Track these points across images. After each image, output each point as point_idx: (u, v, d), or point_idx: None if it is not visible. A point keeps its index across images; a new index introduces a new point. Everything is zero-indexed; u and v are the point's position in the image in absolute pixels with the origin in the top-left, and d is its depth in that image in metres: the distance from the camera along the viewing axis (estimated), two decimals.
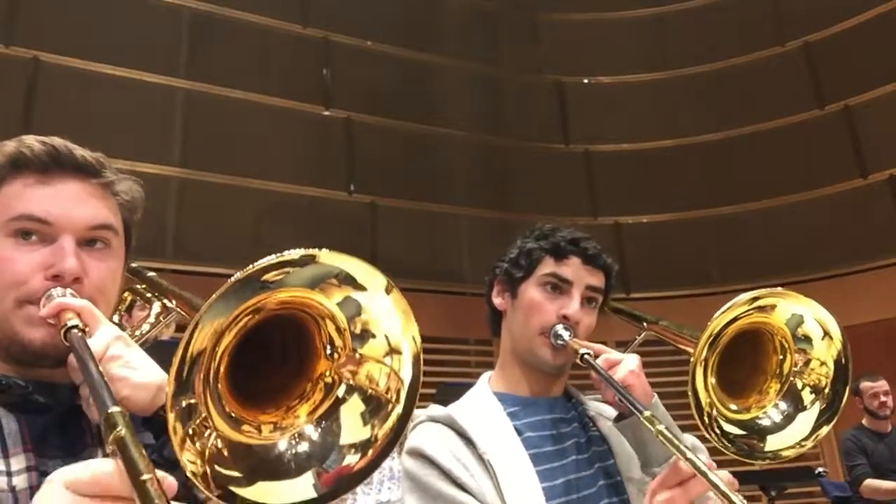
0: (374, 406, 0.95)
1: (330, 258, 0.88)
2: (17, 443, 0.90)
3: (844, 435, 4.76)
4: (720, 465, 1.18)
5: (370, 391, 0.95)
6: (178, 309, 1.19)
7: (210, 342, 0.84)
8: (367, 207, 6.78)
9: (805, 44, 7.39)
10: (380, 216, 6.78)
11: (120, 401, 0.84)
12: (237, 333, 0.88)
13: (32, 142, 0.99)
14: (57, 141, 1.01)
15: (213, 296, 0.81)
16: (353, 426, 0.94)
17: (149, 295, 1.32)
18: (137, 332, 1.28)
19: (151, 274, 1.30)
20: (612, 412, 1.52)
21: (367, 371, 0.95)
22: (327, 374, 0.96)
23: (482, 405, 1.50)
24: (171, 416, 0.79)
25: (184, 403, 0.82)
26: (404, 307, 0.95)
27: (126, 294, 1.38)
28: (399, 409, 0.95)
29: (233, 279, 0.82)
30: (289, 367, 0.97)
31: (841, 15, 7.20)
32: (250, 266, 0.82)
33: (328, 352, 0.96)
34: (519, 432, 1.45)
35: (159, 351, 0.98)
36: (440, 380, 4.48)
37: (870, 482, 4.50)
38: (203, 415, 0.84)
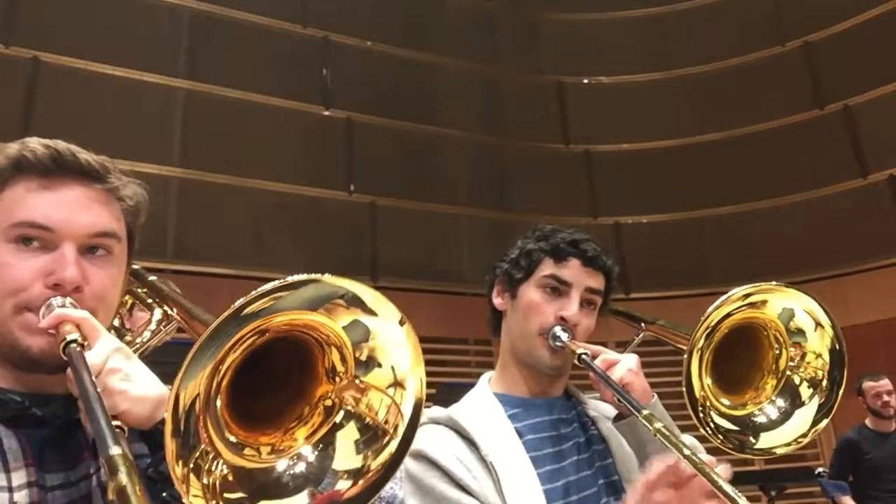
0: (370, 436, 0.94)
1: (336, 281, 0.88)
2: (18, 458, 0.88)
3: (844, 435, 4.75)
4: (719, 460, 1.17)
5: (368, 420, 0.95)
6: (179, 318, 1.18)
7: (204, 385, 0.83)
8: (367, 207, 6.77)
9: (805, 44, 7.39)
10: (380, 216, 6.77)
11: (119, 414, 0.84)
12: (241, 353, 0.87)
13: (36, 145, 0.97)
14: (61, 144, 0.99)
15: (199, 339, 0.80)
16: (347, 453, 0.94)
17: (149, 300, 1.31)
18: (139, 340, 1.27)
19: (152, 278, 1.28)
20: (612, 412, 1.52)
21: (368, 400, 0.95)
22: (327, 397, 0.95)
23: (483, 407, 1.50)
24: (170, 450, 0.79)
25: (183, 440, 0.82)
26: (416, 343, 0.94)
27: (126, 297, 1.37)
28: (395, 443, 0.94)
29: (218, 319, 0.81)
30: (289, 388, 0.97)
31: (841, 15, 7.20)
32: (239, 301, 0.81)
33: (329, 376, 0.95)
34: (520, 434, 1.44)
35: (164, 353, 0.97)
36: (440, 380, 4.47)
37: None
38: (203, 446, 0.84)
